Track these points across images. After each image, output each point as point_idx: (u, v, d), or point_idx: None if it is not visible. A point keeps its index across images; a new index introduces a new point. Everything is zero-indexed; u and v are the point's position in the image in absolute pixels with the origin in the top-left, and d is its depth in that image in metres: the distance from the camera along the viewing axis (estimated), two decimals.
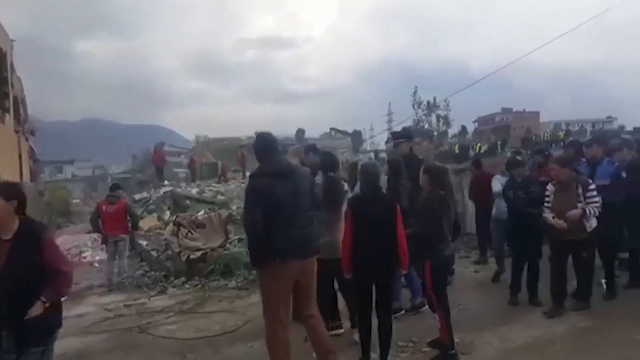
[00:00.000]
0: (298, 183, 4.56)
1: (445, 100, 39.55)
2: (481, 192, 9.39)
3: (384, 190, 5.52)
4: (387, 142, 38.45)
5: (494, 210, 8.44)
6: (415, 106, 37.72)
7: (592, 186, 6.20)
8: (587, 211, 6.08)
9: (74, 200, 32.27)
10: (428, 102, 38.52)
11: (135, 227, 10.43)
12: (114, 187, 10.89)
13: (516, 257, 7.16)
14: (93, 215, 10.35)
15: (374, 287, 5.01)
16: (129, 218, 10.18)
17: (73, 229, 20.41)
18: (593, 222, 6.19)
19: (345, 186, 5.65)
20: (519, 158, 8.31)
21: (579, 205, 6.16)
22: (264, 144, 4.69)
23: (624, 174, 6.95)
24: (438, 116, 39.78)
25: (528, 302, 6.87)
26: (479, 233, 9.98)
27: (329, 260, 5.29)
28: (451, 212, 5.34)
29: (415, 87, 38.52)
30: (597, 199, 6.13)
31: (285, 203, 4.40)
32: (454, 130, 60.89)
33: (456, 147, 34.82)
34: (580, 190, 6.17)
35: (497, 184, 8.23)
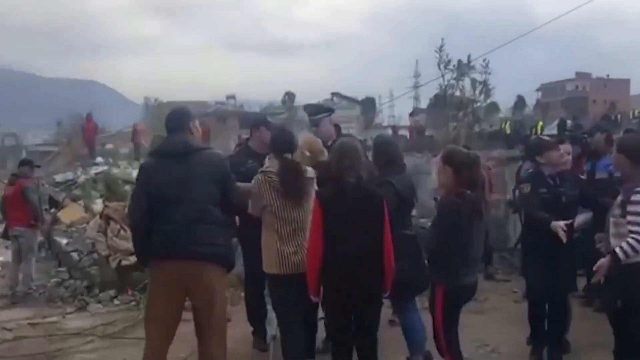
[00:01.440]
0: (191, 168, 4.73)
1: (483, 60, 38.17)
2: None
3: None
4: (411, 115, 38.15)
5: None
6: (442, 66, 36.58)
7: (636, 196, 5.17)
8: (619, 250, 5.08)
9: None
10: (459, 62, 37.11)
11: (35, 219, 10.26)
12: (23, 162, 11.02)
13: (531, 290, 6.67)
14: (1, 199, 10.59)
15: (353, 315, 4.98)
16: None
17: None
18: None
19: (309, 172, 5.53)
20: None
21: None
22: (168, 119, 5.04)
23: None
24: (474, 81, 38.23)
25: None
26: None
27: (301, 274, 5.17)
28: (484, 222, 5.13)
29: (442, 39, 37.44)
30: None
31: (167, 190, 4.65)
32: (502, 100, 59.40)
33: (507, 125, 34.31)
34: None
35: None
